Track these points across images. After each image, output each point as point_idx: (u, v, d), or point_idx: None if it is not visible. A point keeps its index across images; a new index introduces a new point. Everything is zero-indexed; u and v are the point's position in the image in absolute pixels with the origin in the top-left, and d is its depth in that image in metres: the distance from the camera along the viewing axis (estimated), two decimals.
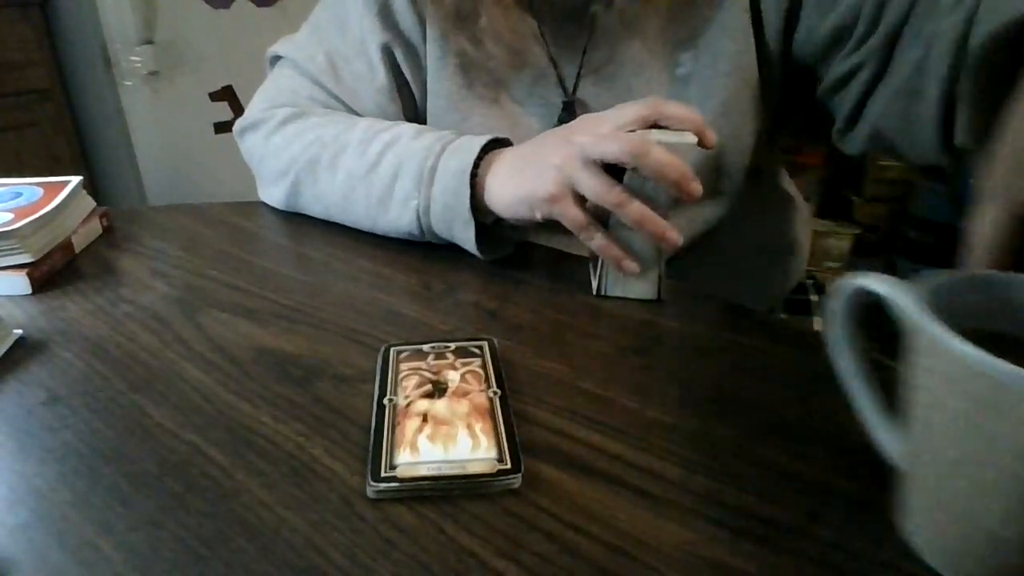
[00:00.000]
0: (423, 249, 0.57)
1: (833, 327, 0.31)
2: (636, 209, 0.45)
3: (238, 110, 1.70)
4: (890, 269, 1.73)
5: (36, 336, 0.45)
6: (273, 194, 0.65)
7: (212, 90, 1.86)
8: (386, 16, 0.62)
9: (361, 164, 0.56)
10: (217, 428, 0.36)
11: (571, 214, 0.47)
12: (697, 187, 0.44)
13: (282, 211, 0.65)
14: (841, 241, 1.78)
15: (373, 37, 0.62)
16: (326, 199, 0.60)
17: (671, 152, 0.44)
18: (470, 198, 0.51)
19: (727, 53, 0.58)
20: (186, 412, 0.37)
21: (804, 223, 0.77)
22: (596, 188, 0.46)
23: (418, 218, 0.54)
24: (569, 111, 0.61)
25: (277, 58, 0.69)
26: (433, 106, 0.64)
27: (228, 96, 1.65)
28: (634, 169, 0.45)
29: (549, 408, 0.37)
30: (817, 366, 0.41)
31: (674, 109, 0.46)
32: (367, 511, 0.30)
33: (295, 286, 0.52)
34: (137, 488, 0.32)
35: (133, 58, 1.79)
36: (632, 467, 0.33)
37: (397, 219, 0.55)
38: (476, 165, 0.51)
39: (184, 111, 1.90)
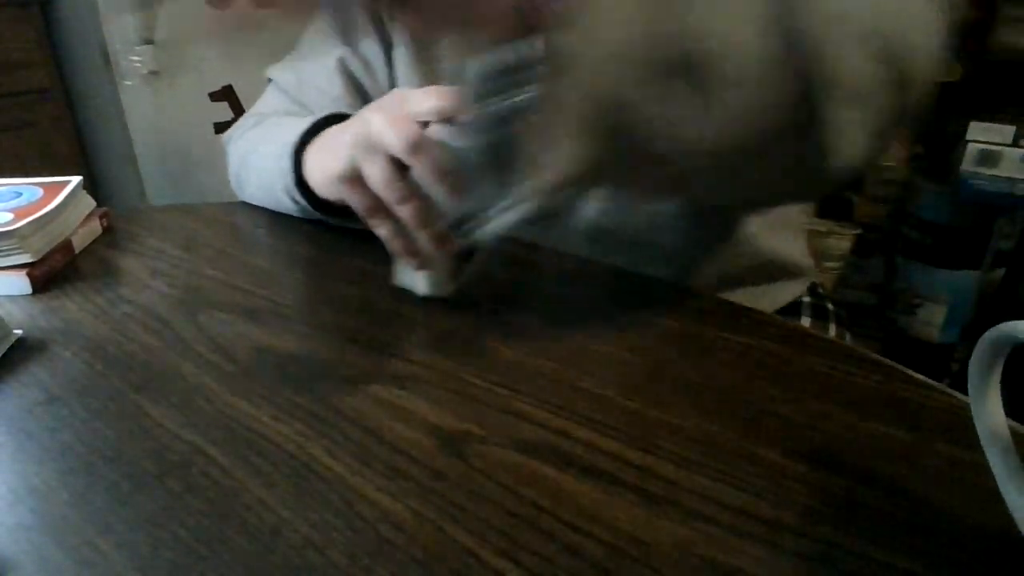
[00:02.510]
0: None
1: (973, 380, 0.27)
2: (411, 210, 0.42)
3: (238, 110, 1.70)
4: (890, 269, 1.73)
5: (36, 336, 0.45)
6: (243, 193, 0.70)
7: (212, 90, 1.86)
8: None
9: (271, 150, 0.59)
10: (217, 428, 0.36)
11: (356, 198, 0.44)
12: (458, 199, 0.41)
13: (282, 211, 0.66)
14: (841, 241, 1.77)
15: (332, 51, 0.66)
16: (258, 192, 0.65)
17: (449, 154, 0.40)
18: (295, 172, 0.53)
19: None
20: (186, 412, 0.37)
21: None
22: (377, 178, 0.42)
23: (288, 193, 0.57)
24: None
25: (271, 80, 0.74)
26: None
27: (228, 96, 1.65)
28: None
29: (549, 408, 0.37)
30: (816, 366, 0.41)
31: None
32: (367, 511, 0.30)
33: (295, 286, 0.52)
34: (137, 488, 0.32)
35: (133, 58, 1.79)
36: (632, 467, 0.33)
37: (282, 197, 0.58)
38: (305, 141, 0.53)
39: (184, 111, 1.90)
